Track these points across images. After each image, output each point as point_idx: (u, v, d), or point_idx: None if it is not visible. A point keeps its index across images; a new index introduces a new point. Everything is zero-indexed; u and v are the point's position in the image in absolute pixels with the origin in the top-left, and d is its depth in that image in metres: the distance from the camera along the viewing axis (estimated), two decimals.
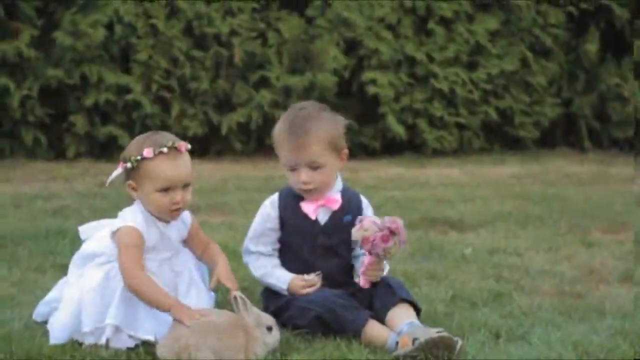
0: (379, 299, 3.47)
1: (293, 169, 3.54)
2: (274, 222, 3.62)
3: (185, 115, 8.27)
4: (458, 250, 4.83)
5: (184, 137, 8.60)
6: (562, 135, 9.35)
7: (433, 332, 3.19)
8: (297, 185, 3.56)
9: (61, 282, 3.61)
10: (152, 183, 3.37)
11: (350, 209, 3.60)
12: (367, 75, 8.52)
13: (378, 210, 5.88)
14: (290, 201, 3.60)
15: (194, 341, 3.12)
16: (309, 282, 3.51)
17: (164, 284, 3.42)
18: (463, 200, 6.31)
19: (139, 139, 3.47)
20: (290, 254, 3.63)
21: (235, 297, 3.24)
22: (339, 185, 3.64)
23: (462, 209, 5.98)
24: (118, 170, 3.46)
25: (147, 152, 3.36)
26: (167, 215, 3.44)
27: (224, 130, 8.28)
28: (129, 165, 3.38)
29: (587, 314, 3.74)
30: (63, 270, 4.00)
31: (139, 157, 3.36)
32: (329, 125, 3.57)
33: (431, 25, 8.66)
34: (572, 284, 4.24)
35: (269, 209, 3.63)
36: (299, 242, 3.60)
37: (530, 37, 8.94)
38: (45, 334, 3.38)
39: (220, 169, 7.72)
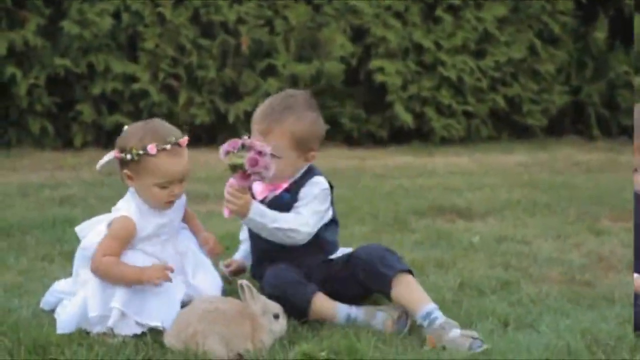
0: (374, 286, 3.45)
1: None
2: None
3: (193, 103, 8.26)
4: (466, 239, 4.82)
5: (191, 126, 8.60)
6: (570, 123, 9.32)
7: (464, 345, 3.16)
8: None
9: (70, 279, 3.60)
10: (152, 178, 3.35)
11: (294, 189, 3.55)
12: (375, 63, 8.49)
13: (387, 198, 5.90)
14: None
15: (202, 328, 3.12)
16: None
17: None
18: (471, 189, 6.29)
19: (138, 129, 3.40)
20: (250, 232, 3.63)
21: (241, 286, 3.23)
22: (298, 174, 3.58)
23: (470, 197, 5.97)
24: (110, 156, 3.40)
25: (151, 148, 3.32)
26: (161, 206, 3.43)
27: (231, 118, 8.27)
28: (128, 156, 3.34)
29: (596, 302, 3.73)
30: (70, 258, 3.99)
31: (141, 152, 3.33)
32: (304, 124, 3.52)
33: (439, 12, 8.63)
34: (581, 271, 4.22)
35: None
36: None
37: (538, 24, 8.90)
38: (53, 322, 3.38)
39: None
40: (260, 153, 3.28)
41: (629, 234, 4.94)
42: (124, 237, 3.36)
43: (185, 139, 3.40)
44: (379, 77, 8.49)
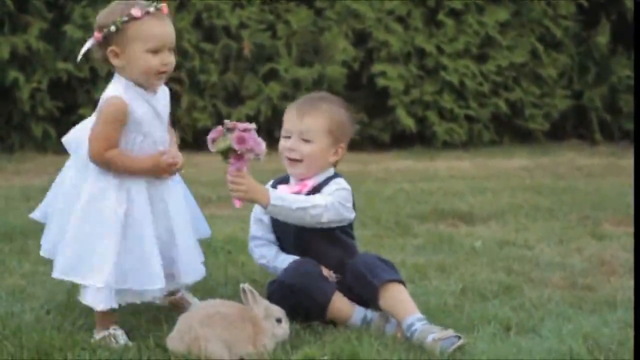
0: (363, 294, 3.45)
1: (286, 137, 3.56)
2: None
3: (195, 107, 8.27)
4: (468, 243, 4.82)
5: (193, 129, 8.61)
6: (572, 127, 9.32)
7: (435, 351, 3.16)
8: (283, 152, 3.56)
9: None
10: (142, 43, 3.27)
11: (314, 191, 3.55)
12: (377, 67, 8.50)
13: (389, 202, 5.91)
14: (276, 184, 3.63)
15: (203, 332, 3.13)
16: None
17: (153, 210, 3.34)
18: (473, 193, 6.30)
19: (114, 6, 3.32)
20: (277, 236, 3.63)
21: (243, 289, 3.24)
22: (323, 176, 3.60)
23: (472, 202, 5.97)
24: (90, 43, 3.32)
25: (136, 11, 3.26)
26: (154, 78, 3.32)
27: None
28: (112, 28, 3.25)
29: (598, 306, 3.73)
30: None
31: (125, 18, 3.25)
32: (338, 114, 3.58)
33: (441, 17, 8.64)
34: (583, 276, 4.23)
35: None
36: (275, 223, 3.61)
37: (540, 28, 8.91)
38: (56, 326, 3.38)
39: None
40: (245, 130, 3.26)
41: (630, 239, 4.94)
42: (117, 120, 3.27)
43: (165, 6, 3.34)
44: (381, 82, 8.50)
